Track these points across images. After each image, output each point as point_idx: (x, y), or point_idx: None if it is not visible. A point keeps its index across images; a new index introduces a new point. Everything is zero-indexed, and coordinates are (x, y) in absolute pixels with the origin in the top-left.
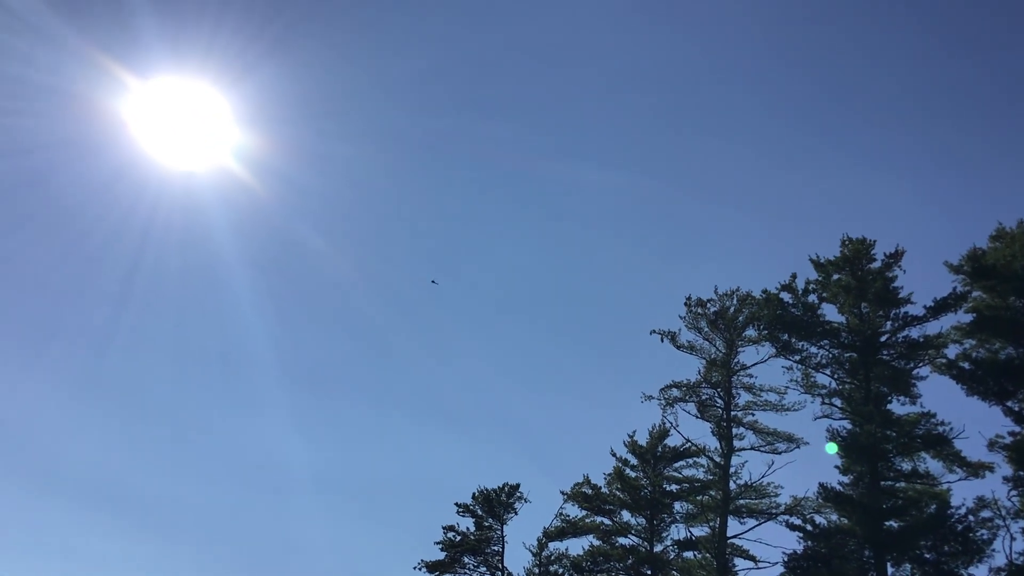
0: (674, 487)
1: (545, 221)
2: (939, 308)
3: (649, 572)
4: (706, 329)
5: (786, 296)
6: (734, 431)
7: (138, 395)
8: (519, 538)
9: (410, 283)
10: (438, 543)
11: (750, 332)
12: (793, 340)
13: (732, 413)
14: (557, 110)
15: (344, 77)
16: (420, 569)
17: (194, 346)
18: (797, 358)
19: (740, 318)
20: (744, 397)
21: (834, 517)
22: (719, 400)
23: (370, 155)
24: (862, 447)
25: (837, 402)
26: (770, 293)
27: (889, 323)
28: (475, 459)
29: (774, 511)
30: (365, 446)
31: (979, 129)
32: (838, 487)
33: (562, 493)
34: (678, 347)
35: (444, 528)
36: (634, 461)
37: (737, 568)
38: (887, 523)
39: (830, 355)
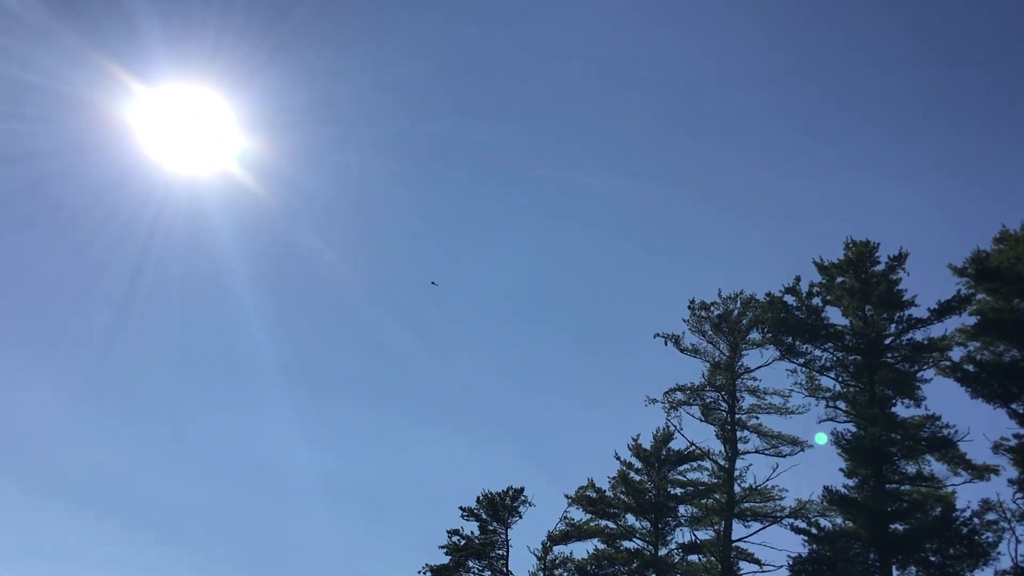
0: (678, 490)
1: (548, 225)
2: (943, 311)
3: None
4: (710, 332)
5: (790, 299)
6: (738, 434)
7: (141, 398)
8: (523, 542)
9: (413, 287)
10: (442, 547)
11: (754, 335)
12: (797, 343)
13: (736, 416)
14: (558, 114)
15: (346, 82)
16: (424, 573)
17: (197, 349)
18: (801, 361)
19: (744, 321)
20: (748, 400)
21: (839, 520)
22: (723, 403)
23: (372, 159)
24: (867, 450)
25: (841, 405)
26: (774, 296)
27: (893, 326)
28: (479, 463)
29: (779, 514)
30: (368, 449)
31: (983, 131)
32: (843, 490)
33: (566, 497)
34: (682, 350)
35: (448, 532)
36: (638, 464)
37: (742, 571)
38: (892, 526)
39: (834, 358)
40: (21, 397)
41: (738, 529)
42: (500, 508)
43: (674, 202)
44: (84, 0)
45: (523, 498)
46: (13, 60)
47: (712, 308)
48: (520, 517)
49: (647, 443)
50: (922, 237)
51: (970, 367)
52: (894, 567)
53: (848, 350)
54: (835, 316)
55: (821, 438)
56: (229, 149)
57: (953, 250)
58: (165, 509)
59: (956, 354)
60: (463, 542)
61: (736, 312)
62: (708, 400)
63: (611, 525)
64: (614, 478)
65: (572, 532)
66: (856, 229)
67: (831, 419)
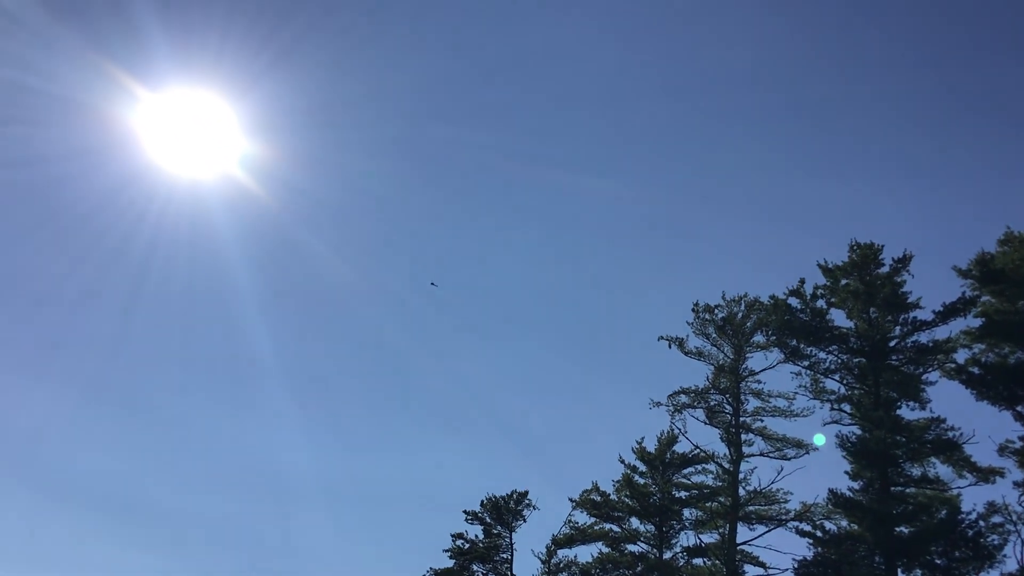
0: (683, 493)
1: (550, 227)
2: (948, 313)
3: None
4: (714, 335)
5: (794, 301)
6: (743, 437)
7: (144, 401)
8: (528, 545)
9: (416, 290)
10: (447, 551)
11: (758, 338)
12: (801, 345)
13: (741, 419)
14: (560, 117)
15: (347, 86)
16: None
17: (200, 353)
18: (806, 363)
19: (748, 324)
20: (753, 403)
21: (844, 523)
22: (728, 406)
23: (373, 163)
24: (872, 452)
25: (846, 408)
26: (778, 299)
27: (898, 328)
28: (482, 466)
29: (784, 517)
30: (372, 454)
31: (987, 133)
32: (848, 493)
33: (571, 500)
34: (686, 353)
35: (453, 536)
36: (643, 468)
37: (747, 575)
38: (897, 529)
39: (839, 360)
40: (25, 400)
41: (743, 532)
42: (504, 512)
43: (677, 205)
44: (89, 6)
45: (527, 502)
46: (18, 65)
47: (716, 311)
48: (524, 521)
49: (651, 446)
50: (926, 239)
51: (975, 369)
52: (899, 570)
53: (853, 352)
54: (839, 318)
55: (820, 439)
56: (231, 152)
57: (958, 252)
58: (167, 512)
59: (961, 356)
60: (467, 546)
61: (740, 315)
62: (712, 403)
63: (615, 529)
64: (618, 481)
65: (576, 536)
66: (860, 231)
67: (836, 422)
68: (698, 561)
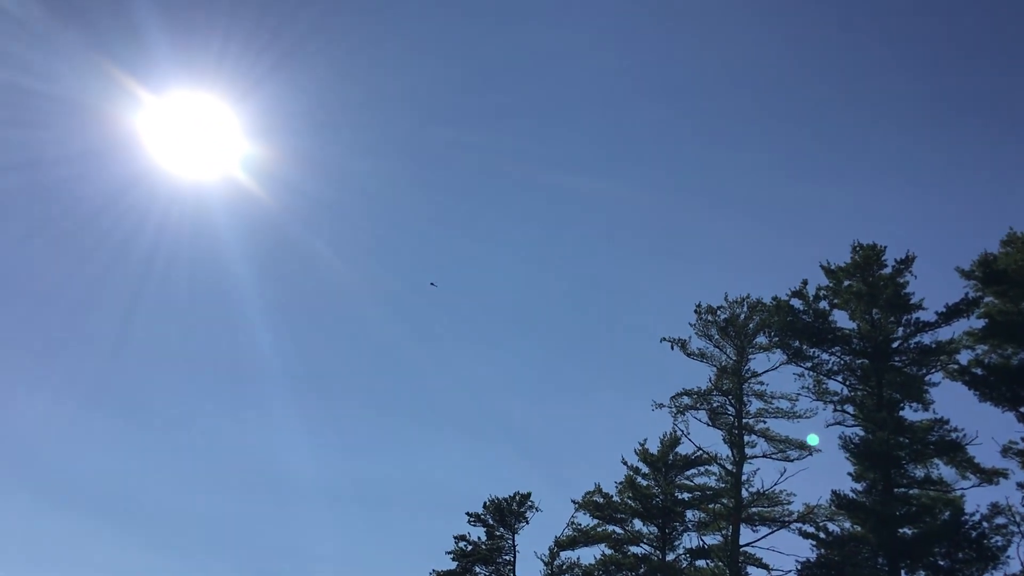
0: (686, 495)
1: (553, 229)
2: (951, 314)
3: None
4: (716, 336)
5: (797, 303)
6: (746, 439)
7: (146, 402)
8: (531, 547)
9: (417, 292)
10: (449, 552)
11: (761, 339)
12: (804, 347)
13: (743, 421)
14: (562, 119)
15: (349, 89)
16: None
17: (202, 354)
18: (808, 365)
19: (751, 325)
20: (755, 404)
21: (847, 524)
22: (730, 408)
23: (375, 164)
24: (875, 454)
25: (849, 409)
26: (781, 300)
27: (901, 329)
28: (485, 468)
29: (787, 519)
30: (375, 455)
31: (990, 134)
32: (851, 494)
33: (573, 502)
34: (688, 355)
35: (455, 537)
36: (645, 469)
37: None
38: (901, 530)
39: (842, 362)
40: (28, 401)
41: (746, 534)
42: (507, 513)
43: (678, 206)
44: (93, 10)
45: (530, 503)
46: (21, 67)
47: (719, 312)
48: (527, 523)
49: (654, 448)
50: (929, 240)
51: (978, 370)
52: (903, 571)
53: (855, 354)
54: (842, 320)
55: (813, 439)
56: (233, 154)
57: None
58: (169, 513)
59: (964, 357)
60: (470, 548)
61: (743, 316)
62: (715, 404)
63: (618, 530)
64: (621, 483)
65: (579, 537)
66: (863, 232)
67: (839, 423)
68: (701, 563)
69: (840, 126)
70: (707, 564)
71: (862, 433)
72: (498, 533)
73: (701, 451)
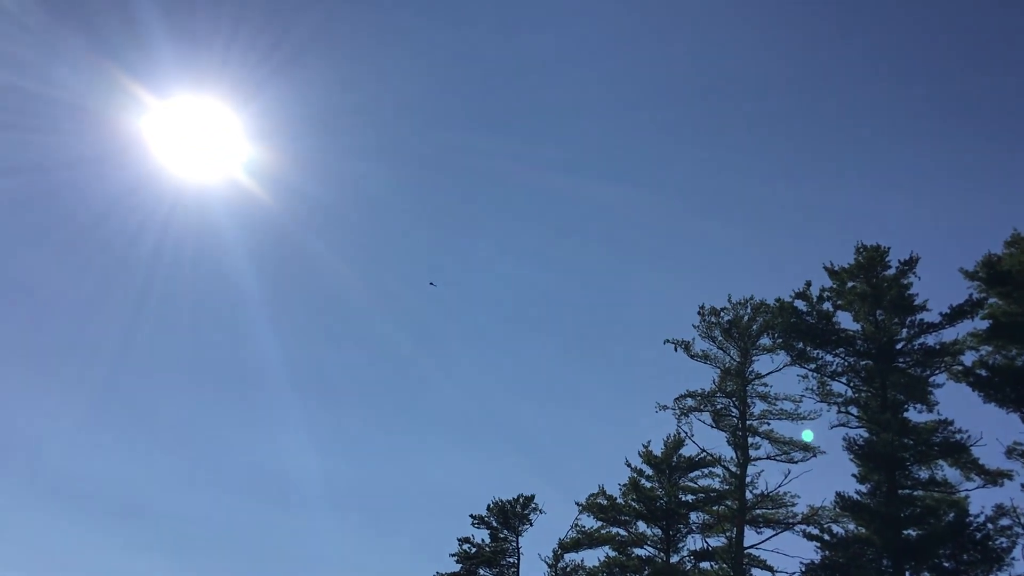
0: (690, 497)
1: (556, 233)
2: (955, 315)
3: None
4: (720, 338)
5: (800, 304)
6: (749, 440)
7: (152, 407)
8: (534, 549)
9: (421, 295)
10: (453, 555)
11: (764, 341)
12: (808, 348)
13: (747, 422)
14: (564, 123)
15: (352, 92)
16: None
17: (206, 358)
18: (812, 366)
19: (754, 327)
20: (759, 406)
21: (852, 526)
22: (734, 409)
23: (378, 168)
24: (879, 455)
25: (853, 410)
26: (784, 301)
27: (905, 330)
28: (489, 470)
29: (791, 521)
30: (378, 459)
31: (993, 135)
32: (855, 496)
33: (577, 504)
34: (692, 356)
35: (459, 540)
36: (649, 471)
37: None
38: (905, 532)
39: (846, 363)
40: (33, 405)
41: (750, 536)
42: (511, 516)
43: (681, 208)
44: (98, 15)
45: (534, 506)
46: (25, 71)
47: (722, 314)
48: (531, 525)
49: (658, 450)
50: (933, 241)
51: (982, 371)
52: (908, 573)
53: (859, 355)
54: (846, 321)
55: (808, 435)
56: (236, 158)
57: (964, 254)
58: (174, 518)
59: (968, 358)
60: (474, 550)
61: (746, 317)
62: (719, 406)
63: (622, 532)
64: (625, 485)
65: (583, 540)
66: (866, 234)
67: (843, 424)
68: (705, 565)
69: (844, 128)
70: (711, 566)
71: (866, 435)
72: (502, 535)
73: (705, 453)
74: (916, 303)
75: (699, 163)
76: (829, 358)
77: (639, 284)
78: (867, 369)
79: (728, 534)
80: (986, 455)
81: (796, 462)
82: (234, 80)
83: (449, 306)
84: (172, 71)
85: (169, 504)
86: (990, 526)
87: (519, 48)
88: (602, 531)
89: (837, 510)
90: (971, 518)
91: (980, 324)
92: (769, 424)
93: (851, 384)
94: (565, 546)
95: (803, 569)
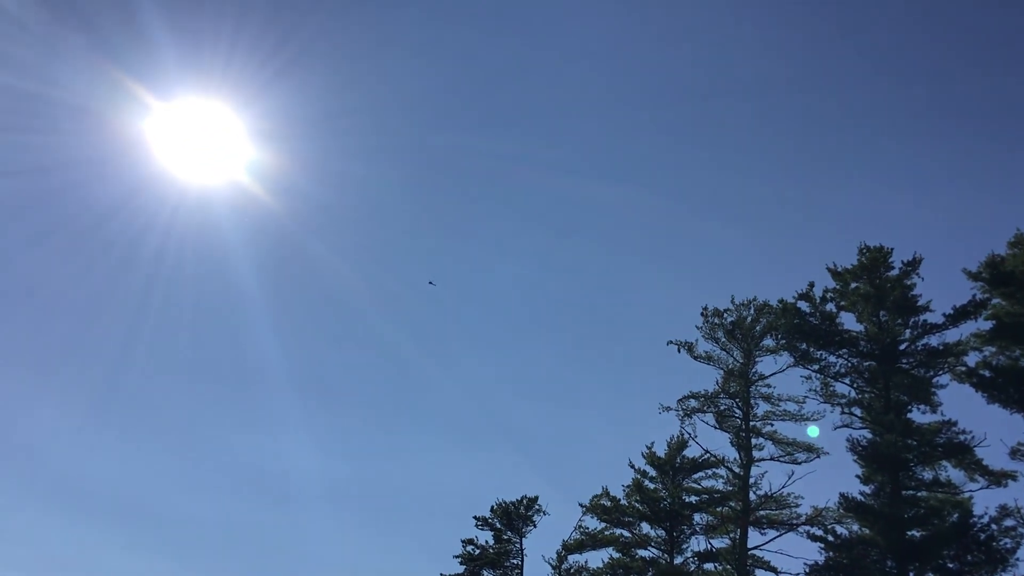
0: (693, 498)
1: (559, 234)
2: (958, 316)
3: None
4: (723, 339)
5: (803, 305)
6: (753, 441)
7: (153, 409)
8: (538, 551)
9: (423, 297)
10: (456, 556)
11: (768, 342)
12: (811, 349)
13: (751, 423)
14: (567, 124)
15: (355, 94)
16: None
17: (208, 360)
18: (816, 367)
19: (757, 328)
20: (763, 407)
21: (856, 527)
22: (737, 410)
23: (381, 170)
24: (883, 456)
25: (857, 411)
26: (787, 302)
27: (908, 331)
28: (492, 472)
29: (795, 522)
30: (380, 460)
31: (996, 135)
32: (859, 497)
33: (581, 505)
34: (695, 357)
35: (463, 541)
36: (653, 473)
37: None
38: (909, 533)
39: (849, 364)
40: (34, 407)
41: (754, 537)
42: (514, 517)
43: (684, 210)
44: (100, 16)
45: (537, 507)
46: (27, 73)
47: (725, 315)
48: (535, 526)
49: (661, 451)
50: (936, 242)
51: (986, 372)
52: (911, 574)
53: (863, 356)
54: (849, 322)
55: (813, 431)
56: (239, 160)
57: (967, 255)
58: (175, 519)
59: (972, 359)
60: (478, 551)
61: (749, 319)
62: (722, 407)
63: (626, 534)
64: (628, 486)
65: (587, 541)
66: (870, 234)
67: (847, 425)
68: (709, 566)
69: (846, 128)
70: (715, 567)
71: (870, 435)
72: (506, 537)
73: (708, 454)
74: (919, 304)
75: (700, 163)
76: (832, 359)
77: (642, 285)
78: (871, 370)
79: (732, 535)
80: (990, 456)
81: (800, 463)
82: (237, 82)
83: (450, 307)
84: (174, 72)
85: (170, 504)
86: (994, 527)
87: (520, 49)
88: (606, 532)
89: (841, 511)
90: (975, 519)
91: (983, 325)
92: (773, 425)
93: (854, 385)
94: (569, 547)
95: (807, 570)
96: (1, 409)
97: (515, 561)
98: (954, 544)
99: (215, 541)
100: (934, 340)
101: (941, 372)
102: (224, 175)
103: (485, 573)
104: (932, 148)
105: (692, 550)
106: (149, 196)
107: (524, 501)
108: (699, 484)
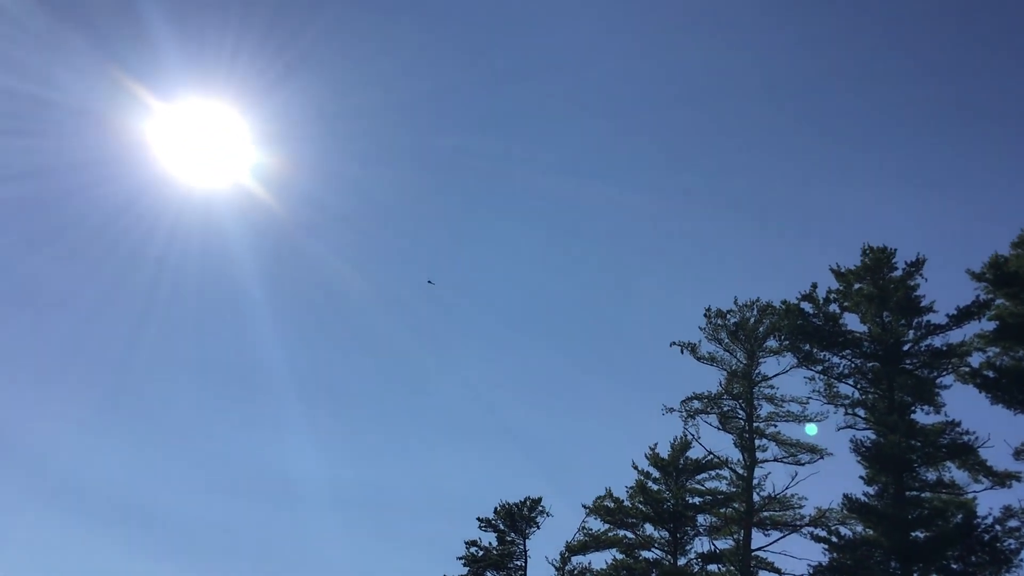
0: (697, 500)
1: (560, 235)
2: (962, 316)
3: None
4: (726, 340)
5: (807, 306)
6: (757, 442)
7: (157, 411)
8: (542, 552)
9: (426, 299)
10: (460, 558)
11: (771, 343)
12: (815, 350)
13: (754, 424)
14: (569, 124)
15: (357, 97)
16: None
17: (212, 361)
18: (819, 368)
19: (761, 329)
20: (766, 408)
21: (859, 528)
22: (741, 412)
23: (384, 172)
24: (887, 457)
25: (860, 412)
26: (790, 303)
27: (912, 332)
28: (496, 473)
29: (798, 523)
30: (384, 461)
31: (1000, 135)
32: (863, 498)
33: (584, 507)
34: (698, 358)
35: (466, 543)
36: (656, 474)
37: None
38: (913, 533)
39: (852, 365)
40: (38, 409)
41: (757, 538)
42: (518, 518)
43: (687, 210)
44: (102, 18)
45: (541, 508)
46: (29, 75)
47: (728, 316)
48: (538, 527)
49: (665, 452)
50: (939, 242)
51: (990, 373)
52: (915, 575)
53: (866, 357)
54: (853, 323)
55: (812, 429)
56: (243, 162)
57: (971, 255)
58: (179, 521)
59: (975, 360)
60: (481, 553)
61: (753, 320)
62: (726, 408)
63: (629, 535)
64: (632, 488)
65: (590, 542)
66: (873, 235)
67: (850, 426)
68: (713, 567)
69: (849, 129)
70: (719, 568)
71: (873, 436)
72: (509, 538)
73: (712, 455)
74: (923, 304)
75: (702, 164)
76: (836, 360)
77: (644, 286)
78: (874, 371)
79: (735, 536)
80: (994, 457)
81: (803, 464)
82: (241, 84)
83: (454, 309)
84: (177, 74)
85: (174, 507)
86: (998, 528)
87: (524, 50)
88: (609, 534)
89: (845, 512)
90: (979, 520)
91: (987, 325)
92: (776, 426)
93: (858, 386)
94: (572, 549)
95: (811, 571)
96: (4, 411)
97: (518, 563)
98: (958, 545)
99: (219, 543)
100: (938, 341)
101: (945, 373)
102: (228, 178)
103: (488, 574)
104: (936, 148)
105: (696, 551)
106: (152, 199)
107: (527, 502)
108: (703, 485)
